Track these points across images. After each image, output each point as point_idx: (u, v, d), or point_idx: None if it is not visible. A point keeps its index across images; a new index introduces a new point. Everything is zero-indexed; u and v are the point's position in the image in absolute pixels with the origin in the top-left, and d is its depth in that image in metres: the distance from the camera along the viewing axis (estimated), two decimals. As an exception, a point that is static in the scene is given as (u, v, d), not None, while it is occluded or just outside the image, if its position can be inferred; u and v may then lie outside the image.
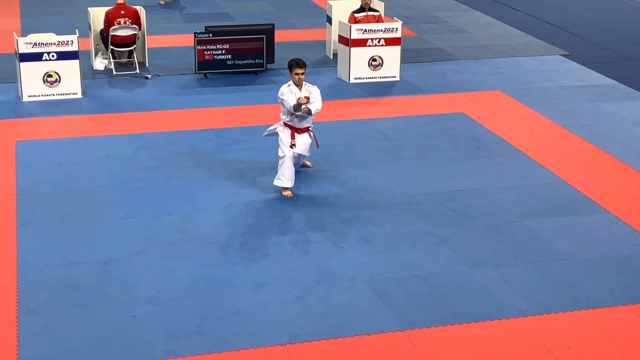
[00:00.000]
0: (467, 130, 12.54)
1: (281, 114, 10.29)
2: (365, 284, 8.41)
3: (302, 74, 10.08)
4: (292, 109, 9.99)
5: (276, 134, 10.42)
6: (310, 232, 9.44)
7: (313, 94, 10.12)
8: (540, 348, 7.47)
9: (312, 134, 10.43)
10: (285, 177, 10.19)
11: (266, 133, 10.75)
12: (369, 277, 8.53)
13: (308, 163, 11.07)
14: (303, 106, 9.92)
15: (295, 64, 10.10)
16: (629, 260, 8.98)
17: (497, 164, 11.37)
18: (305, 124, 10.25)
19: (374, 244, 9.19)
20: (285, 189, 10.28)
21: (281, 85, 14.29)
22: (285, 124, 10.25)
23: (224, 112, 13.15)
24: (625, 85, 14.78)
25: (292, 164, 10.20)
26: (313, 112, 10.07)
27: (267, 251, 9.01)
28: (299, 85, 10.13)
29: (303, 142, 10.29)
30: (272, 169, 10.80)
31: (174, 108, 13.29)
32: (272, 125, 10.64)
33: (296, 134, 10.22)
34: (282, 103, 10.13)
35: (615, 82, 14.95)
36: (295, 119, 10.16)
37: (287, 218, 9.75)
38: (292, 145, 10.18)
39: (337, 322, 7.78)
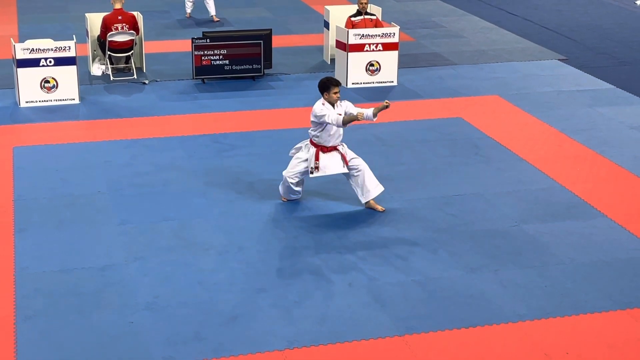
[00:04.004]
0: (465, 135, 12.54)
1: (310, 130, 9.75)
2: (363, 289, 8.40)
3: (339, 91, 9.64)
4: (340, 123, 9.40)
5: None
6: (308, 237, 9.43)
7: (349, 107, 9.66)
8: (539, 353, 7.46)
9: (340, 149, 9.80)
10: (281, 193, 10.12)
11: (293, 151, 10.06)
12: (367, 282, 8.52)
13: (380, 207, 10.01)
14: (361, 117, 9.43)
15: (333, 83, 9.52)
16: (627, 265, 8.98)
17: (495, 168, 11.37)
18: (333, 141, 9.71)
19: (372, 249, 9.18)
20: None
21: (279, 90, 14.45)
22: (312, 142, 9.76)
23: (221, 117, 13.15)
24: (622, 89, 14.79)
25: (290, 187, 9.92)
26: (368, 115, 9.50)
27: (264, 257, 9.00)
28: (334, 104, 9.63)
29: (333, 160, 9.73)
30: (269, 174, 10.80)
31: (172, 113, 13.28)
32: (298, 144, 10.09)
33: (321, 153, 9.72)
34: (317, 121, 9.53)
35: (612, 86, 14.96)
36: (325, 136, 9.63)
37: (285, 223, 9.74)
38: (313, 170, 9.68)
39: (335, 327, 7.77)
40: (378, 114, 9.63)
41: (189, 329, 7.69)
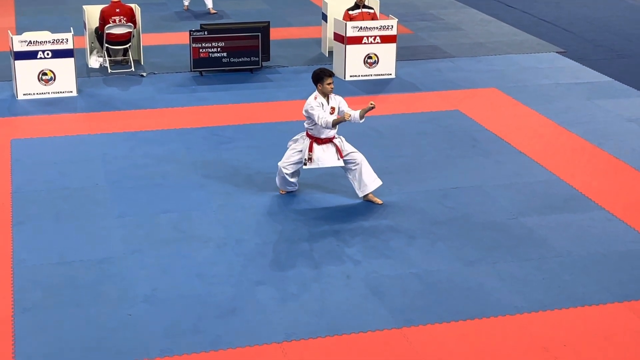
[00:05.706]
0: (463, 127, 12.54)
1: (305, 122, 9.78)
2: (361, 282, 8.41)
3: (333, 82, 9.64)
4: (329, 125, 9.44)
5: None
6: (306, 229, 9.43)
7: (342, 103, 9.69)
8: (536, 345, 7.47)
9: (336, 142, 9.78)
10: (278, 184, 10.13)
11: (290, 143, 10.05)
12: (365, 275, 8.53)
13: (378, 200, 10.04)
14: (349, 118, 9.45)
15: (326, 74, 9.52)
16: (625, 257, 8.99)
17: (493, 161, 11.37)
18: (327, 133, 9.69)
19: (370, 242, 9.19)
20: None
21: (277, 83, 14.44)
22: (308, 134, 9.80)
23: (219, 110, 13.14)
24: (620, 82, 14.79)
25: (285, 178, 9.94)
26: (355, 116, 9.51)
27: (262, 249, 9.01)
28: (328, 95, 9.66)
29: (327, 153, 9.74)
30: (267, 166, 10.80)
31: (170, 106, 13.27)
32: (295, 136, 10.09)
33: (315, 145, 9.73)
34: (309, 116, 9.56)
35: (610, 79, 14.96)
36: (319, 127, 9.62)
37: (282, 216, 9.74)
38: (307, 162, 9.72)
39: (333, 319, 7.77)
40: (364, 115, 9.65)
41: (187, 322, 7.69)
